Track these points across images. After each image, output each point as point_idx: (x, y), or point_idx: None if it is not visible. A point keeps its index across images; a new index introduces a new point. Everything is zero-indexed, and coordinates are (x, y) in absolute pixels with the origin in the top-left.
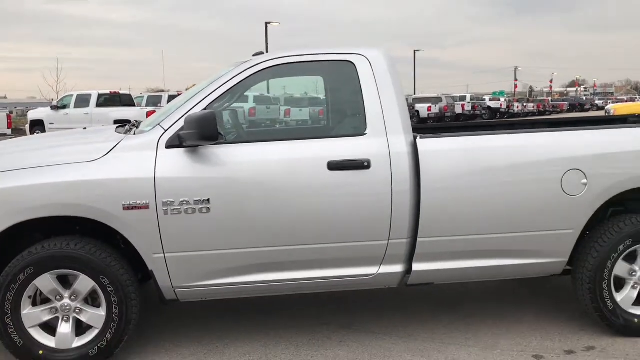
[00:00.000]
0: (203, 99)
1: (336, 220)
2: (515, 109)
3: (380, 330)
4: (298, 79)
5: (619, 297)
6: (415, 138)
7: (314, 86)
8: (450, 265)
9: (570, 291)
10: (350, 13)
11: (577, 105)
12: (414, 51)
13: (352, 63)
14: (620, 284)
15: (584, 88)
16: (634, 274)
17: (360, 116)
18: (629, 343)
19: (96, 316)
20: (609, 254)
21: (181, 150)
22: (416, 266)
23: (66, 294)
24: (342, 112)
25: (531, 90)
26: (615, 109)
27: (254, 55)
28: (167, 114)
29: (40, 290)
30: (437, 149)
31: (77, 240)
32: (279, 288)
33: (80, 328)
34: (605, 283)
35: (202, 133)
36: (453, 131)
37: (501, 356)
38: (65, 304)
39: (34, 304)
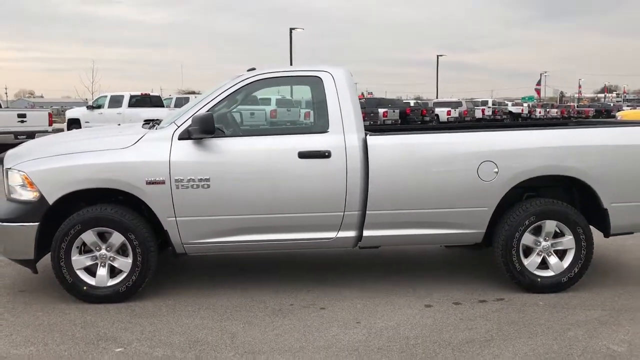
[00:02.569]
0: (207, 103)
1: (304, 196)
2: (538, 114)
3: (342, 284)
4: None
5: (526, 261)
6: (366, 135)
7: (289, 94)
8: (394, 233)
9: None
10: (380, 15)
11: (603, 112)
12: (437, 56)
13: (320, 78)
14: (529, 251)
15: (616, 94)
16: (539, 244)
17: (325, 118)
18: (531, 297)
19: (125, 263)
20: (517, 227)
21: (190, 141)
22: (366, 232)
23: (103, 246)
24: (311, 115)
25: (562, 95)
26: (622, 115)
27: (247, 71)
28: (181, 114)
29: (85, 243)
30: (382, 144)
31: (112, 206)
32: (262, 247)
33: (113, 272)
34: (514, 250)
35: (202, 128)
36: (405, 132)
37: (430, 302)
38: (103, 254)
39: (80, 253)
